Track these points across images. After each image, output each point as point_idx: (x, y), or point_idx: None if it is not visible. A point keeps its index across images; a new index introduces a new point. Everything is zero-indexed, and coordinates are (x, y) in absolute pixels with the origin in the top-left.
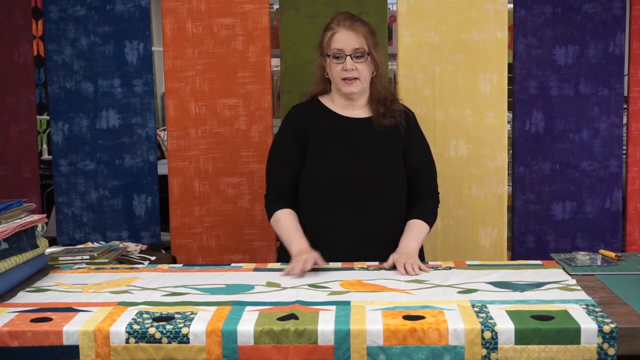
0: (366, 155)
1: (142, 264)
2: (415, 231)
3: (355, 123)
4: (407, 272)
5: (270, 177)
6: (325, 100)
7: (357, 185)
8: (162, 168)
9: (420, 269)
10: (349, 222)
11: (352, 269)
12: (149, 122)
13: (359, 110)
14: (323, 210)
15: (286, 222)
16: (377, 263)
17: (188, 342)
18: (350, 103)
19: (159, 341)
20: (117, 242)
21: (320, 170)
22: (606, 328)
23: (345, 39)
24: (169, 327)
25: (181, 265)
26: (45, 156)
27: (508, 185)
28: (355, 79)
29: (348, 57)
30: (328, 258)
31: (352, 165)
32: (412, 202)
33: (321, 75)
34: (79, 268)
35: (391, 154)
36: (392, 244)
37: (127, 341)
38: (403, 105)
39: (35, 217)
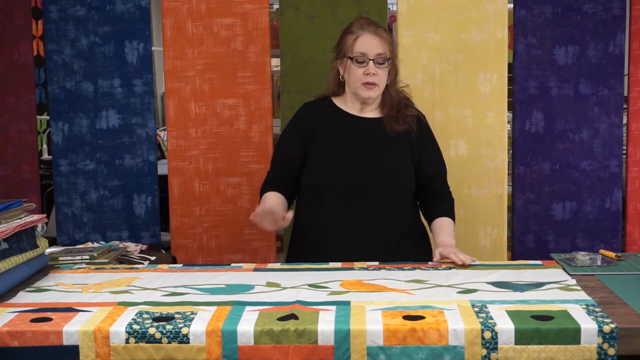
0: (374, 155)
1: (142, 264)
2: (448, 228)
3: (366, 123)
4: (462, 261)
5: (270, 169)
6: (337, 101)
7: (361, 185)
8: (162, 168)
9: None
10: (350, 222)
11: (352, 269)
12: (149, 122)
13: (370, 113)
14: (326, 209)
15: (269, 195)
16: (377, 263)
17: (188, 342)
18: (363, 107)
19: (159, 341)
20: (117, 242)
21: (326, 168)
22: (606, 328)
23: (369, 44)
24: (169, 327)
25: (181, 265)
26: (45, 156)
27: (508, 185)
28: (375, 84)
29: (371, 62)
30: (329, 258)
31: (359, 165)
32: (431, 203)
33: (335, 78)
34: (79, 268)
35: (399, 156)
36: (394, 245)
37: (127, 341)
38: (417, 110)
39: (35, 217)
